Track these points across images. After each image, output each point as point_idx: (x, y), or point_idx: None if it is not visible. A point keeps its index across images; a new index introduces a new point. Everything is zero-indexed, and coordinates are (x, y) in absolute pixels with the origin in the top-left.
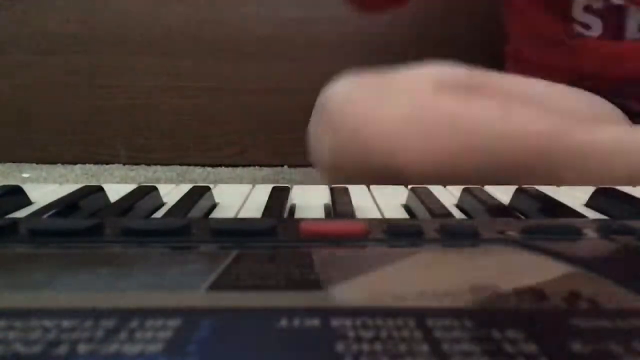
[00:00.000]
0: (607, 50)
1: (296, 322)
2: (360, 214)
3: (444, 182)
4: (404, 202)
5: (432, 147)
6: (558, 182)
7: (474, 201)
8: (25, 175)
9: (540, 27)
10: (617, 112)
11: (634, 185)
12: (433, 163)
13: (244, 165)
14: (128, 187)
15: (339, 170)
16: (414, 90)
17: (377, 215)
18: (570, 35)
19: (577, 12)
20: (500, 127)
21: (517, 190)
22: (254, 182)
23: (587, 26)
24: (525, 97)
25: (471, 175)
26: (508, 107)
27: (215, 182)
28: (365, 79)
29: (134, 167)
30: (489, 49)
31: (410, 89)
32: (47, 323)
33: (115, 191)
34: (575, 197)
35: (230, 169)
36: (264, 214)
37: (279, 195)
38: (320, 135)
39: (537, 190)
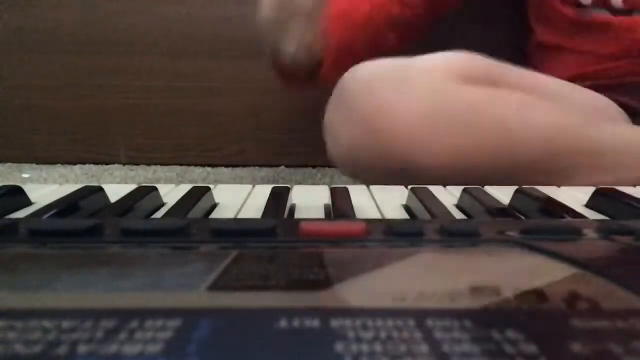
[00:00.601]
0: (621, 24)
1: (296, 323)
2: (360, 214)
3: (461, 179)
4: (404, 202)
5: (452, 142)
6: (569, 180)
7: (474, 201)
8: (25, 175)
9: (558, 16)
10: (620, 111)
11: None
12: (452, 158)
13: (244, 166)
14: (128, 188)
15: (356, 162)
16: (433, 81)
17: (377, 216)
18: (585, 17)
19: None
20: (521, 121)
21: (517, 191)
22: (254, 182)
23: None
24: (541, 92)
25: (488, 173)
26: (527, 101)
27: (215, 182)
28: (384, 68)
29: (134, 167)
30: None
31: (430, 79)
32: (47, 323)
33: (116, 192)
34: (575, 197)
35: (230, 169)
36: (264, 214)
37: (279, 196)
38: (337, 126)
39: (537, 190)
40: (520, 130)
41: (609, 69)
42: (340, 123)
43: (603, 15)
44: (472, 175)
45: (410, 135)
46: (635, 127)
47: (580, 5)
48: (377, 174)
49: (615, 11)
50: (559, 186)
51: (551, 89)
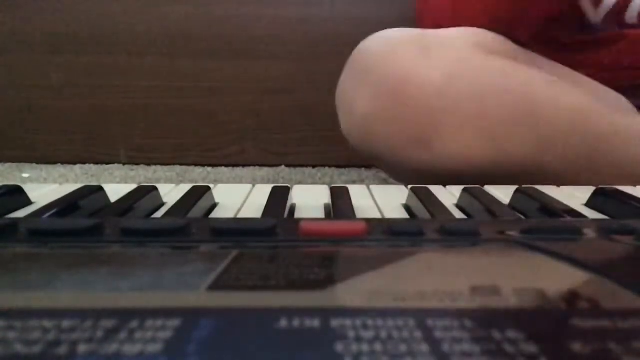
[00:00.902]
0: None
1: (296, 322)
2: (360, 214)
3: (480, 155)
4: (404, 201)
5: (477, 110)
6: (586, 172)
7: (474, 201)
8: (25, 175)
9: (559, 40)
10: (631, 106)
11: None
12: (475, 128)
13: (244, 165)
14: (128, 187)
15: (371, 132)
16: (460, 48)
17: (377, 215)
18: (593, 35)
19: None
20: (548, 96)
21: (517, 191)
22: (253, 182)
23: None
24: (563, 77)
25: (509, 149)
26: (554, 79)
27: (215, 182)
28: (406, 34)
29: (134, 167)
30: None
31: (456, 46)
32: (47, 323)
33: (115, 191)
34: (575, 197)
35: (230, 169)
36: (264, 214)
37: (279, 195)
38: (353, 93)
39: (537, 190)
40: (546, 106)
41: (615, 78)
42: (356, 90)
43: (613, 30)
44: (492, 152)
45: (436, 101)
46: None
47: (586, 27)
48: (392, 145)
49: (626, 27)
50: (565, 184)
51: (572, 77)
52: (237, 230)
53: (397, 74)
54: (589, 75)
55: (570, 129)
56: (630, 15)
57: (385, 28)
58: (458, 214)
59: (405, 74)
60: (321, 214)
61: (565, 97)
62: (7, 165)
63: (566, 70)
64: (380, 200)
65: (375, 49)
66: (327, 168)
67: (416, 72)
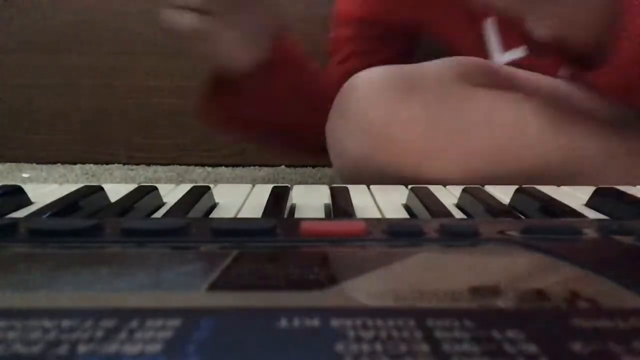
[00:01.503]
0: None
1: (296, 322)
2: (360, 214)
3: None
4: (404, 202)
5: (465, 150)
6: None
7: (474, 201)
8: (25, 175)
9: None
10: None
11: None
12: (465, 168)
13: (243, 165)
14: (128, 187)
15: (364, 175)
16: (442, 86)
17: (377, 215)
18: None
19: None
20: (538, 126)
21: (517, 190)
22: (253, 182)
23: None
24: (547, 94)
25: (496, 182)
26: (543, 106)
27: (215, 182)
28: (390, 75)
29: (134, 167)
30: None
31: (439, 84)
32: (47, 323)
33: (115, 191)
34: (575, 197)
35: (230, 169)
36: (264, 214)
37: (279, 195)
38: (342, 137)
39: (537, 190)
40: (536, 141)
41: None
42: (345, 134)
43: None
44: (479, 184)
45: (421, 146)
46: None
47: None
48: (383, 184)
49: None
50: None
51: (559, 91)
52: (237, 231)
53: (381, 121)
54: None
55: (561, 160)
56: (562, 73)
57: None
58: (458, 214)
59: (389, 120)
60: (321, 214)
61: (556, 128)
62: (7, 165)
63: (559, 83)
64: (380, 200)
65: (361, 91)
66: (327, 168)
67: (400, 118)
